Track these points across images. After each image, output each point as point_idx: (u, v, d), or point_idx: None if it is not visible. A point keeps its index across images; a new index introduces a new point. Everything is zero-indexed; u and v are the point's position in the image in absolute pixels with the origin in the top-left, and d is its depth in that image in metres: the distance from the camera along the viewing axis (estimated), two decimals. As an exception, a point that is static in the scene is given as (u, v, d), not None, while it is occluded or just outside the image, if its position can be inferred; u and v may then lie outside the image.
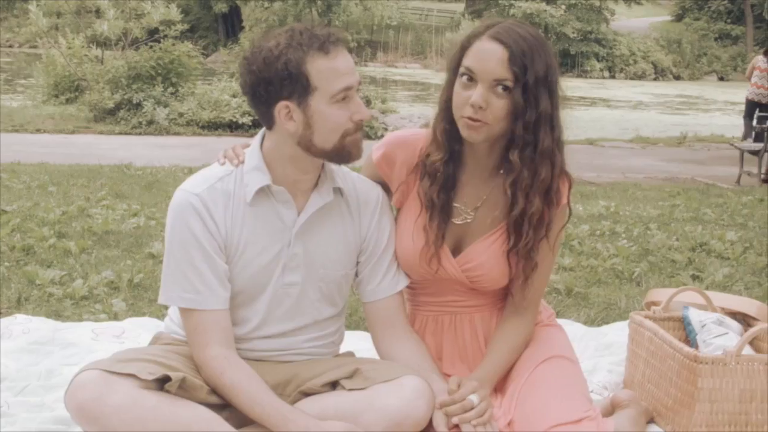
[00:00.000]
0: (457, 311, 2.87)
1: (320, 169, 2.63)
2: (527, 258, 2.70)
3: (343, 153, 2.53)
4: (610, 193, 10.22)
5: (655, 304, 3.68)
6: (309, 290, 2.68)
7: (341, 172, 2.72)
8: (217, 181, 2.59)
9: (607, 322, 4.75)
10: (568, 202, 2.75)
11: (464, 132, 2.60)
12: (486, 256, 2.74)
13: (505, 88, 2.53)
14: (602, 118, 23.37)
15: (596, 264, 6.18)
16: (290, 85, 2.47)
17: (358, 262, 2.77)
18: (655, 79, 43.86)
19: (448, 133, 2.68)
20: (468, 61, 2.58)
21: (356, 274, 2.80)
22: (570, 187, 2.74)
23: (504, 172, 2.68)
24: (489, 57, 2.54)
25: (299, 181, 2.61)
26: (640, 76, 43.82)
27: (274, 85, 2.48)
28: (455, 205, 2.77)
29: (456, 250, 2.78)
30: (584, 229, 7.52)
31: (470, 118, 2.55)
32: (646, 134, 18.94)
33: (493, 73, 2.53)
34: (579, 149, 15.70)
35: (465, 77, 2.57)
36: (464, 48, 2.62)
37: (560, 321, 4.11)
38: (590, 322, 4.82)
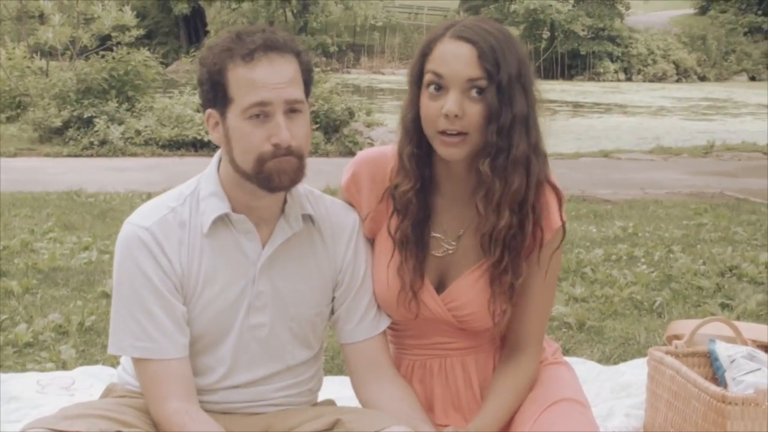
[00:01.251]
0: (447, 354, 2.85)
1: (282, 193, 2.60)
2: (509, 285, 2.67)
3: (264, 180, 2.48)
4: (628, 212, 10.26)
5: (677, 337, 3.69)
6: (279, 332, 2.66)
7: (312, 197, 2.72)
8: (169, 211, 2.57)
9: (624, 360, 4.76)
10: (563, 222, 2.74)
11: (442, 150, 2.58)
12: (474, 292, 2.72)
13: (479, 91, 2.53)
14: (618, 127, 23.43)
15: (611, 293, 6.19)
16: (212, 92, 2.51)
17: (333, 298, 2.76)
18: (677, 81, 44.09)
19: (417, 158, 2.67)
20: (432, 66, 2.57)
21: (332, 312, 2.78)
22: (561, 203, 2.73)
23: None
24: (456, 58, 2.54)
25: (257, 209, 2.59)
26: (660, 78, 44.05)
27: (203, 90, 2.55)
28: (434, 235, 2.75)
29: (440, 286, 2.76)
30: (598, 254, 7.54)
31: (446, 133, 2.54)
32: (668, 144, 18.97)
33: (464, 73, 2.52)
34: (592, 162, 15.75)
35: (432, 86, 2.56)
36: (425, 54, 2.60)
37: (571, 359, 4.14)
38: (605, 359, 4.83)
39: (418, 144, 2.65)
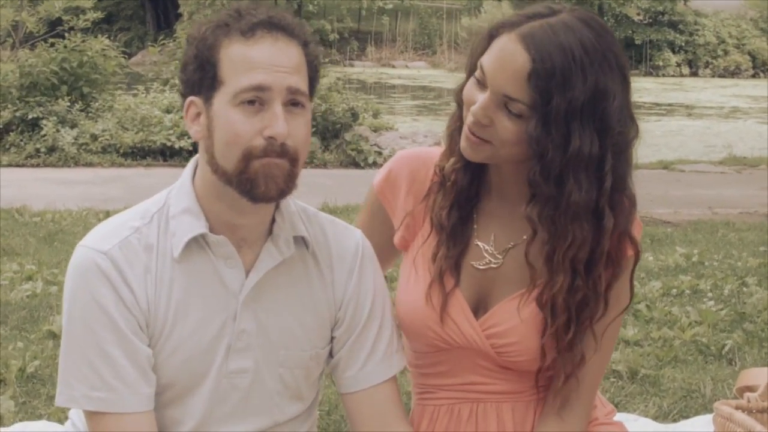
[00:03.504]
0: (480, 398, 2.83)
1: (269, 211, 2.59)
2: (567, 349, 2.67)
3: (246, 183, 2.45)
4: (692, 236, 10.28)
5: (751, 389, 3.69)
6: (265, 380, 2.63)
7: (306, 215, 2.70)
8: (132, 232, 2.54)
9: (687, 416, 4.76)
10: (637, 251, 2.73)
11: (462, 143, 2.62)
12: (518, 319, 2.71)
13: (517, 115, 2.52)
14: (681, 132, 23.48)
15: (671, 335, 6.19)
16: (198, 73, 2.49)
17: (332, 338, 2.74)
18: (753, 76, 44.08)
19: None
20: (485, 57, 2.58)
21: (330, 355, 2.76)
22: (639, 230, 2.72)
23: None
24: (505, 63, 2.53)
25: (239, 228, 2.56)
26: (733, 73, 44.07)
27: (186, 72, 2.53)
28: (477, 243, 2.77)
29: (479, 309, 2.77)
30: (655, 287, 7.54)
31: (470, 131, 2.58)
32: (742, 153, 18.99)
33: (503, 86, 2.52)
34: (649, 175, 15.72)
35: (474, 79, 2.60)
36: (491, 37, 2.61)
37: (621, 416, 4.13)
38: (663, 416, 4.83)
39: None
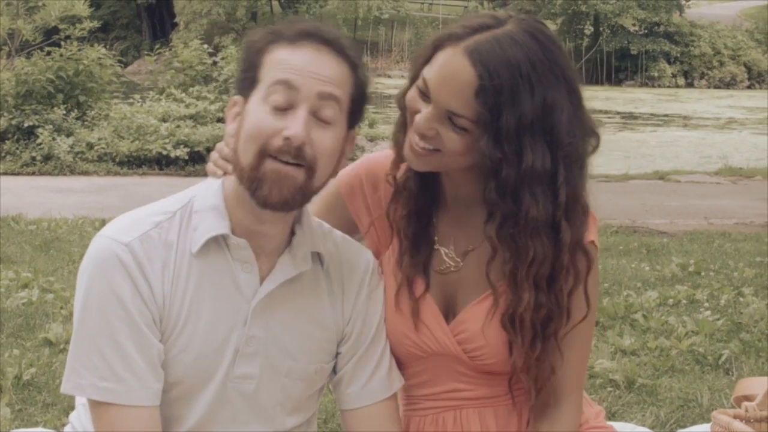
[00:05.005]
0: (462, 405, 2.84)
1: (288, 222, 2.59)
2: (536, 365, 2.66)
3: (255, 183, 2.45)
4: (688, 247, 10.29)
5: (748, 398, 3.69)
6: (269, 389, 2.62)
7: (321, 231, 2.71)
8: (153, 227, 2.54)
9: (683, 426, 4.75)
10: (592, 241, 2.68)
11: (406, 152, 2.61)
12: (485, 322, 2.71)
13: (462, 128, 2.51)
14: (676, 142, 23.51)
15: (668, 345, 6.19)
16: (244, 73, 2.54)
17: (337, 354, 2.74)
18: (749, 87, 44.24)
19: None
20: (429, 70, 2.56)
21: (334, 370, 2.76)
22: (593, 221, 2.71)
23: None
24: (450, 78, 2.51)
25: (259, 236, 2.56)
26: (729, 84, 44.18)
27: (237, 75, 2.59)
28: (438, 247, 2.77)
29: (449, 314, 2.77)
30: (651, 297, 7.54)
31: (414, 142, 2.57)
32: (738, 163, 19.04)
33: (448, 102, 2.51)
34: (645, 186, 15.76)
35: (420, 86, 2.58)
36: (435, 48, 2.58)
37: (618, 425, 4.12)
38: (660, 425, 4.83)
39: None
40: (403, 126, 2.66)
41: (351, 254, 2.74)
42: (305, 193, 2.48)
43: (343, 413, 2.77)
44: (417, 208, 2.73)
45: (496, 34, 2.51)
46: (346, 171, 2.83)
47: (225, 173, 2.61)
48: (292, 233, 2.61)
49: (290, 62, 2.46)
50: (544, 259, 2.56)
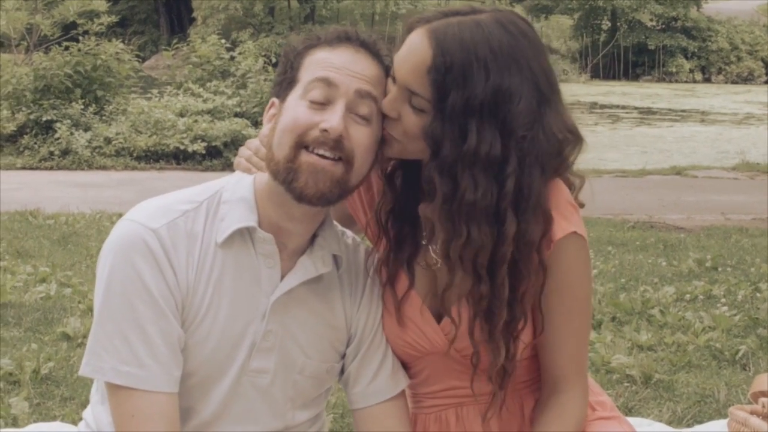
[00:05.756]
0: (464, 402, 2.83)
1: (314, 223, 2.61)
2: (506, 327, 2.63)
3: (291, 172, 2.47)
4: (705, 242, 10.26)
5: (765, 394, 3.68)
6: (282, 384, 2.64)
7: (337, 233, 2.72)
8: (180, 215, 2.54)
9: (701, 421, 4.74)
10: (574, 231, 2.64)
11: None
12: (470, 319, 2.68)
13: (420, 110, 2.52)
14: (694, 138, 23.45)
15: (685, 340, 6.17)
16: (282, 75, 2.57)
17: (344, 354, 2.76)
18: (766, 82, 44.05)
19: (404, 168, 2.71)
20: (396, 52, 2.58)
21: (342, 370, 2.77)
22: (573, 210, 2.67)
23: None
24: (409, 56, 2.53)
25: (285, 233, 2.57)
26: (746, 79, 44.06)
27: (274, 81, 2.61)
28: (423, 243, 2.76)
29: (442, 313, 2.75)
30: (668, 293, 7.52)
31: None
32: (756, 159, 18.98)
33: (406, 79, 2.52)
34: (661, 181, 15.73)
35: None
36: (408, 31, 2.59)
37: (635, 420, 4.13)
38: (677, 421, 4.82)
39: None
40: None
41: (360, 257, 2.77)
42: (342, 188, 2.50)
43: (354, 414, 2.79)
44: (401, 204, 2.72)
45: (464, 19, 2.53)
46: None
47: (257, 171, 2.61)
48: (314, 235, 2.62)
49: (329, 61, 2.49)
50: (480, 246, 2.53)
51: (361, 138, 2.48)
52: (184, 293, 2.50)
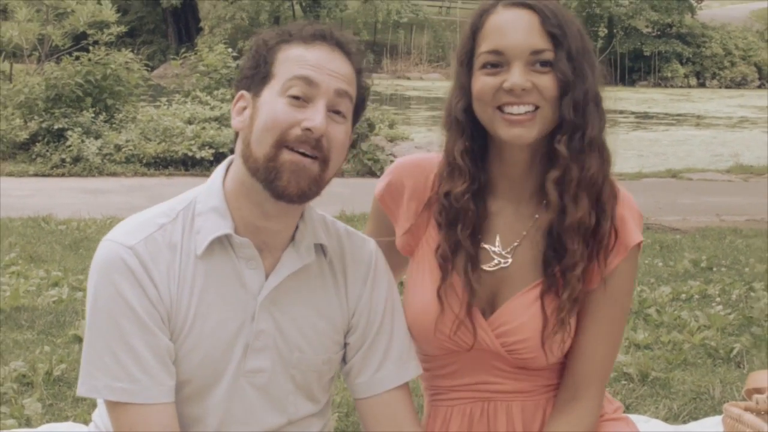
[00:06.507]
0: (491, 398, 2.84)
1: (294, 217, 2.61)
2: (569, 305, 2.67)
3: (272, 173, 2.47)
4: (700, 243, 10.26)
5: (759, 391, 3.67)
6: (280, 380, 2.64)
7: (324, 223, 2.73)
8: (157, 229, 2.56)
9: (696, 418, 4.74)
10: (640, 241, 2.74)
11: (506, 132, 2.60)
12: (528, 315, 2.71)
13: (545, 63, 2.58)
14: (689, 141, 23.43)
15: (681, 339, 6.18)
16: (252, 70, 2.56)
17: (346, 344, 2.75)
18: (759, 87, 44.05)
19: (472, 154, 2.70)
20: (487, 43, 2.61)
21: (344, 360, 2.77)
22: (640, 220, 2.75)
23: (546, 169, 2.68)
24: (516, 27, 2.59)
25: (264, 232, 2.57)
26: (740, 84, 44.04)
27: (242, 72, 2.60)
28: (484, 246, 2.76)
29: (487, 309, 2.76)
30: (665, 292, 7.53)
31: (510, 112, 2.57)
32: (749, 162, 18.96)
33: (527, 43, 2.57)
34: (657, 184, 15.74)
35: (488, 66, 2.61)
36: (475, 30, 2.65)
37: (632, 417, 4.11)
38: (673, 417, 4.82)
39: (471, 137, 2.69)
40: (463, 141, 2.71)
41: (354, 246, 2.76)
42: (319, 185, 2.52)
43: (357, 403, 2.79)
44: (467, 220, 2.72)
45: None
46: (381, 182, 2.88)
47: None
48: (296, 229, 2.63)
49: (307, 59, 2.50)
50: (596, 174, 2.64)
51: (338, 136, 2.52)
52: (168, 305, 2.52)
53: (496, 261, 2.75)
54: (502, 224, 2.77)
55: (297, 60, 2.50)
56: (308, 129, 2.44)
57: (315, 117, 2.45)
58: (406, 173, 2.85)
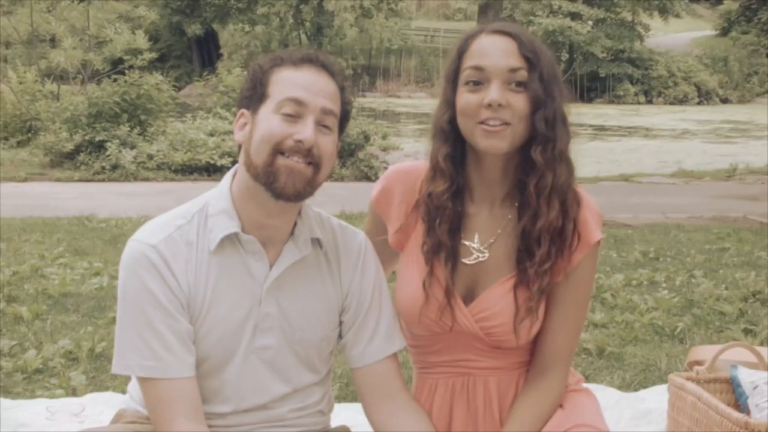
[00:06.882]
0: (471, 373, 2.85)
1: (293, 214, 2.64)
2: (538, 293, 2.69)
3: (271, 177, 2.50)
4: (649, 237, 10.26)
5: (699, 363, 3.68)
6: (285, 355, 2.67)
7: (319, 219, 2.75)
8: (175, 230, 2.59)
9: (645, 386, 4.75)
10: (599, 240, 2.74)
11: (483, 142, 2.61)
12: (504, 302, 2.72)
13: (520, 83, 2.59)
14: (638, 150, 23.42)
15: (632, 319, 6.19)
16: (251, 90, 2.59)
17: (341, 322, 2.78)
18: (698, 104, 44.04)
19: (453, 159, 2.71)
20: (471, 61, 2.63)
21: (340, 336, 2.80)
22: (599, 220, 2.76)
23: (522, 177, 2.70)
24: (496, 49, 2.61)
25: (267, 228, 2.61)
26: (682, 101, 44.01)
27: (242, 93, 2.63)
28: (464, 242, 2.77)
29: (468, 297, 2.77)
30: (618, 279, 7.54)
31: (487, 125, 2.58)
32: (690, 167, 18.99)
33: (505, 63, 2.59)
34: (612, 186, 15.73)
35: (471, 82, 2.62)
36: (461, 52, 2.67)
37: (591, 386, 4.12)
38: (626, 386, 4.82)
39: (453, 145, 2.70)
40: (447, 147, 2.72)
41: (346, 238, 2.78)
42: (313, 185, 2.55)
43: (353, 372, 2.82)
44: (451, 218, 2.73)
45: (501, 21, 2.77)
46: (377, 187, 2.89)
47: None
48: (295, 225, 2.65)
49: (296, 81, 2.53)
50: (565, 181, 2.67)
51: (327, 145, 2.54)
52: (186, 294, 2.55)
53: (475, 255, 2.76)
54: (479, 223, 2.77)
55: (288, 81, 2.53)
56: (300, 141, 2.47)
57: (305, 131, 2.49)
58: (397, 180, 2.86)
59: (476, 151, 2.68)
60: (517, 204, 2.73)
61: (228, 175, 2.68)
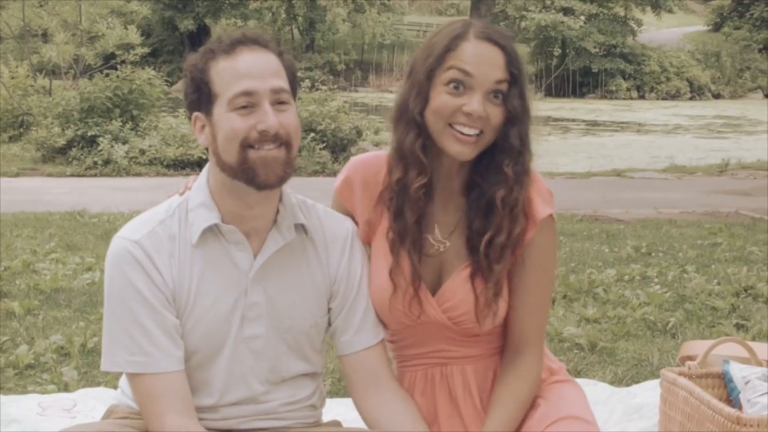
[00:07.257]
0: (448, 362, 2.87)
1: (274, 202, 2.63)
2: (495, 280, 2.72)
3: (249, 173, 2.49)
4: (641, 232, 10.26)
5: (691, 358, 3.68)
6: (274, 343, 2.67)
7: (305, 206, 2.74)
8: (158, 224, 2.59)
9: (637, 381, 4.75)
10: (551, 214, 2.77)
11: (453, 147, 2.62)
12: (465, 290, 2.74)
13: (498, 95, 2.61)
14: (630, 145, 23.46)
15: (624, 314, 6.19)
16: (196, 93, 2.56)
17: (329, 309, 2.77)
18: (690, 99, 44.13)
19: (428, 150, 2.70)
20: (460, 63, 2.61)
21: (329, 323, 2.79)
22: (550, 195, 2.80)
23: (480, 189, 2.72)
24: (487, 60, 2.61)
25: (247, 218, 2.60)
26: (674, 96, 44.09)
27: (187, 95, 2.60)
28: (425, 235, 2.78)
29: (435, 287, 2.79)
30: (610, 274, 7.54)
31: (461, 132, 2.60)
32: (682, 162, 19.00)
33: (494, 74, 2.59)
34: (604, 181, 15.75)
35: (453, 83, 2.61)
36: (448, 50, 2.64)
37: (582, 381, 4.13)
38: (617, 381, 4.82)
39: (426, 137, 2.69)
40: (418, 138, 2.69)
41: (332, 224, 2.77)
42: (290, 164, 2.54)
43: (341, 359, 2.81)
44: (419, 207, 2.74)
45: (483, 23, 2.72)
46: (339, 177, 2.89)
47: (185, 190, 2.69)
48: (277, 212, 2.64)
49: (237, 71, 2.49)
50: (525, 194, 2.71)
51: (290, 121, 2.52)
52: (171, 288, 2.55)
53: (436, 246, 2.79)
54: (438, 214, 2.80)
55: (230, 74, 2.50)
56: (264, 130, 2.46)
57: (266, 119, 2.47)
58: (360, 169, 2.86)
59: (438, 148, 2.69)
60: (470, 198, 2.76)
61: (204, 171, 2.67)
